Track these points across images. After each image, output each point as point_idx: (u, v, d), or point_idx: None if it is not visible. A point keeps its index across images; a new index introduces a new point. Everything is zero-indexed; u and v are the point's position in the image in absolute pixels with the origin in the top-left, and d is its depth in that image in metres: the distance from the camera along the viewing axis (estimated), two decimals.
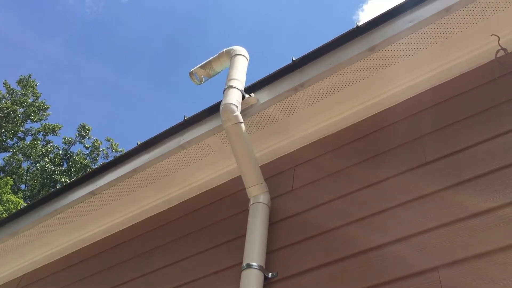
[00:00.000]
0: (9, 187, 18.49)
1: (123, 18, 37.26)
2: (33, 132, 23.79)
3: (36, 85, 23.77)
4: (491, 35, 2.28)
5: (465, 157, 2.05)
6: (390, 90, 2.56)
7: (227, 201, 2.87)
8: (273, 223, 2.47)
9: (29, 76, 23.81)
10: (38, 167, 22.73)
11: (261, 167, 2.60)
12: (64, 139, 24.38)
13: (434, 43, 2.38)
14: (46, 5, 34.45)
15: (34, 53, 34.42)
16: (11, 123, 22.58)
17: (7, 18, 31.76)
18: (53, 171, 22.51)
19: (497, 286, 1.61)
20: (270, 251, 2.33)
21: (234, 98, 2.61)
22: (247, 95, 2.71)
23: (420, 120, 2.36)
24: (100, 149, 24.57)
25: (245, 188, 2.57)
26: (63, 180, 21.84)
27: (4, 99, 22.77)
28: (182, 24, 40.39)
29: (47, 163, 22.87)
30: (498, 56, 2.25)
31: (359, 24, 2.50)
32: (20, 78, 23.61)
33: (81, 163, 23.08)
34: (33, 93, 23.62)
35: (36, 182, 22.56)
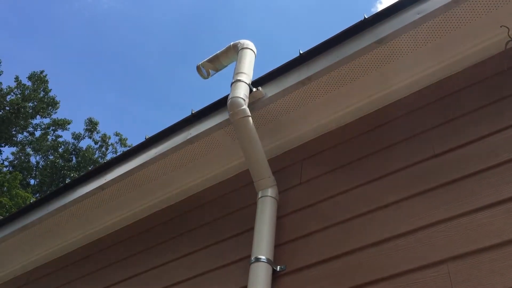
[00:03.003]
0: (18, 181, 18.63)
1: (134, 13, 37.40)
2: (42, 127, 23.92)
3: (47, 81, 23.85)
4: (500, 26, 2.26)
5: (474, 150, 2.04)
6: (398, 82, 2.55)
7: (235, 195, 2.87)
8: (281, 217, 2.47)
9: (41, 72, 23.89)
10: (48, 162, 22.89)
11: (269, 160, 2.60)
12: (73, 134, 24.55)
13: (442, 34, 2.36)
14: (63, 4, 34.77)
15: (46, 49, 34.69)
16: (20, 118, 22.71)
17: (19, 17, 32.04)
18: (63, 166, 22.67)
19: (507, 279, 1.60)
20: (278, 245, 2.34)
21: (242, 91, 2.61)
22: (254, 89, 2.70)
23: (429, 113, 2.35)
24: (109, 143, 24.71)
25: (253, 182, 2.57)
26: (72, 175, 21.99)
27: (13, 93, 22.87)
28: (190, 19, 40.40)
29: (57, 159, 23.03)
30: (507, 47, 2.23)
31: (367, 16, 2.49)
32: (31, 74, 23.69)
33: (90, 158, 23.22)
34: (43, 89, 23.70)
35: (46, 177, 22.73)
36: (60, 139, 24.37)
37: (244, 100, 2.57)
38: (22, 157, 23.34)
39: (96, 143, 24.70)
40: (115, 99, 38.29)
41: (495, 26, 2.29)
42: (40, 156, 23.86)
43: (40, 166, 23.59)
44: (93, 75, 35.79)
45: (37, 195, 22.11)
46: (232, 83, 2.69)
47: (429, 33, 2.36)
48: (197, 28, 40.77)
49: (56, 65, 35.01)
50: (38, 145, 23.47)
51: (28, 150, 23.53)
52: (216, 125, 2.80)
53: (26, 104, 22.82)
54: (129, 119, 37.97)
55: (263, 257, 2.21)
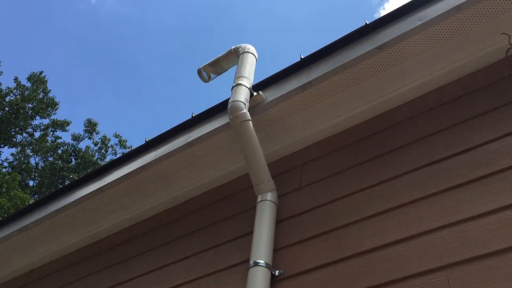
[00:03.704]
0: (17, 183, 18.61)
1: (136, 15, 37.50)
2: (42, 128, 23.89)
3: (46, 81, 23.83)
4: (501, 34, 2.26)
5: (474, 156, 2.04)
6: (398, 88, 2.55)
7: (234, 199, 2.87)
8: (280, 221, 2.47)
9: (40, 73, 23.87)
10: (47, 164, 22.87)
11: (268, 165, 2.60)
12: (73, 135, 24.52)
13: (443, 41, 2.37)
14: (69, 4, 34.90)
15: (47, 50, 34.79)
16: (20, 119, 22.68)
17: (25, 17, 32.15)
18: (62, 167, 22.64)
19: (506, 286, 1.60)
20: (277, 249, 2.34)
21: (242, 95, 2.61)
22: (255, 93, 2.70)
23: (429, 119, 2.35)
24: (109, 145, 24.68)
25: (252, 186, 2.58)
26: (71, 176, 21.96)
27: (12, 94, 22.84)
28: (192, 23, 40.48)
29: (56, 160, 23.00)
30: (508, 54, 2.24)
31: (368, 22, 2.49)
32: (30, 75, 23.67)
33: (89, 160, 23.20)
34: (42, 90, 23.67)
35: (45, 178, 22.69)
36: (59, 140, 24.36)
37: (245, 104, 2.57)
38: (22, 158, 23.32)
39: (95, 144, 24.68)
40: (115, 101, 38.36)
41: (496, 33, 2.29)
42: (40, 157, 23.84)
43: (40, 168, 23.56)
44: (94, 76, 35.88)
45: (36, 196, 22.07)
46: (232, 87, 2.70)
47: (430, 40, 2.37)
48: (199, 32, 40.88)
49: (57, 66, 35.09)
50: (38, 146, 23.44)
51: (28, 151, 23.50)
52: (216, 128, 2.80)
53: (26, 104, 22.79)
54: (129, 121, 38.02)
55: (261, 262, 2.21)
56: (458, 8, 2.23)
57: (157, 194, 3.25)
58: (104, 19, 36.82)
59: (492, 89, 2.24)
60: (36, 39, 34.64)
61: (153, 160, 3.01)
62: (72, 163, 23.91)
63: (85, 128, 24.90)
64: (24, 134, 23.58)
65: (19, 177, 19.01)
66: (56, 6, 35.07)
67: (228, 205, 2.88)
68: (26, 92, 23.18)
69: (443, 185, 2.03)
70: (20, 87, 23.26)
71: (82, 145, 24.80)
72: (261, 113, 2.72)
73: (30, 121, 23.42)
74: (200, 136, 2.86)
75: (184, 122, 3.00)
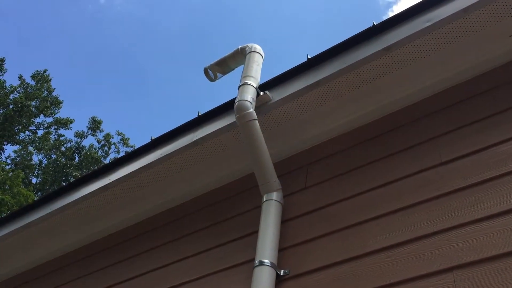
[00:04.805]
0: (20, 180, 18.65)
1: (144, 15, 37.57)
2: (45, 126, 23.95)
3: (50, 80, 23.89)
4: (509, 36, 2.26)
5: (482, 158, 2.04)
6: (406, 90, 2.55)
7: (240, 198, 2.87)
8: (285, 221, 2.47)
9: (44, 71, 23.92)
10: (51, 161, 22.93)
11: (274, 164, 2.60)
12: (76, 133, 24.60)
13: (451, 43, 2.36)
14: (78, 4, 35.02)
15: (52, 49, 34.89)
16: (23, 117, 22.74)
17: (32, 15, 32.25)
18: (65, 165, 22.70)
19: None
20: (282, 249, 2.33)
21: (249, 95, 2.61)
22: (261, 93, 2.70)
23: (437, 120, 2.35)
24: (112, 143, 24.74)
25: (258, 185, 2.57)
26: (75, 174, 22.02)
27: (16, 92, 22.90)
28: (199, 23, 40.54)
29: (59, 157, 23.07)
30: None
31: (376, 23, 2.49)
32: (34, 73, 23.73)
33: (92, 157, 23.25)
34: (46, 88, 23.73)
35: (48, 176, 22.75)
36: (62, 138, 24.41)
37: (251, 103, 2.57)
38: (25, 155, 23.38)
39: (99, 142, 24.74)
40: (120, 101, 38.43)
41: (504, 35, 2.29)
42: (43, 154, 23.90)
43: (43, 165, 23.62)
44: (98, 76, 35.97)
45: (39, 193, 22.13)
46: (239, 86, 2.70)
47: (438, 41, 2.36)
48: (205, 32, 40.95)
49: (62, 65, 35.21)
50: (41, 144, 23.50)
51: (31, 148, 23.56)
52: (222, 127, 2.80)
53: (29, 103, 22.84)
54: (133, 121, 38.10)
55: (267, 261, 2.21)
56: (465, 10, 2.23)
57: (162, 192, 3.25)
58: (112, 19, 36.97)
59: (501, 92, 2.23)
60: (42, 38, 34.79)
61: (159, 159, 3.01)
62: (75, 160, 23.97)
63: (89, 126, 24.96)
64: (27, 132, 23.65)
65: (22, 174, 19.06)
66: (64, 5, 35.24)
67: (233, 204, 2.88)
68: (30, 90, 23.23)
69: (450, 187, 2.02)
70: (24, 85, 23.31)
71: (86, 142, 24.89)
72: (267, 112, 2.72)
73: (33, 119, 23.47)
74: (206, 135, 2.86)
75: (190, 121, 3.00)
